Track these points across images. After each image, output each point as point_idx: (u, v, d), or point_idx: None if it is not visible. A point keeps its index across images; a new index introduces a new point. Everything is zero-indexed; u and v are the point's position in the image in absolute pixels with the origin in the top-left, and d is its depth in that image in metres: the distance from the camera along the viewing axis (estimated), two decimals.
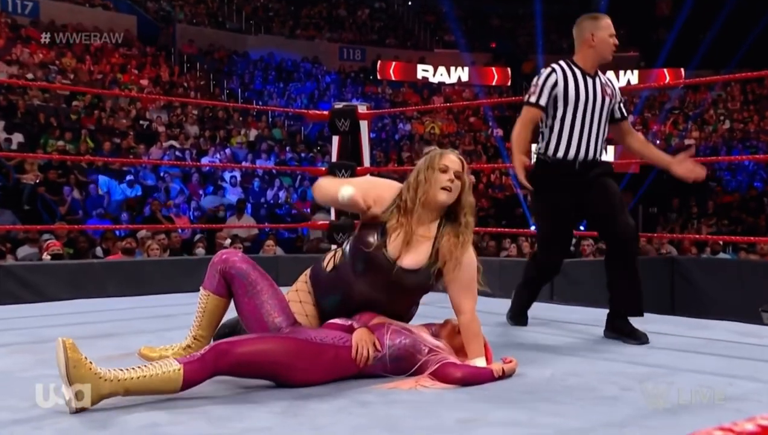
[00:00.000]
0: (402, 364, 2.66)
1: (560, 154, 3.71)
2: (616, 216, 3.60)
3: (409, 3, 27.43)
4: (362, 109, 6.36)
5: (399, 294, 2.84)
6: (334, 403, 2.35)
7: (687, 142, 20.41)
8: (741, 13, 20.76)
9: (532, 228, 15.08)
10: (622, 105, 3.83)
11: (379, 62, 24.32)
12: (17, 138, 12.82)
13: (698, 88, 22.81)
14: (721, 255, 9.65)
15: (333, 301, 2.89)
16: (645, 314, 4.55)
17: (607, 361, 3.13)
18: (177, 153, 13.94)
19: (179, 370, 2.28)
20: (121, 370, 2.25)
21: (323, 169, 7.34)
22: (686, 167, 3.65)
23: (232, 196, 13.25)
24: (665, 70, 23.64)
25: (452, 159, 2.82)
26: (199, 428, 2.10)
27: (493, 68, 25.26)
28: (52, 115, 14.18)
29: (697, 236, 12.20)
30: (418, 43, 26.11)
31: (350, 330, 2.66)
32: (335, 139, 6.44)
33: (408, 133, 20.41)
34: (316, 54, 23.68)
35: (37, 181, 11.57)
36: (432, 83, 24.27)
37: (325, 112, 6.54)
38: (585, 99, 3.68)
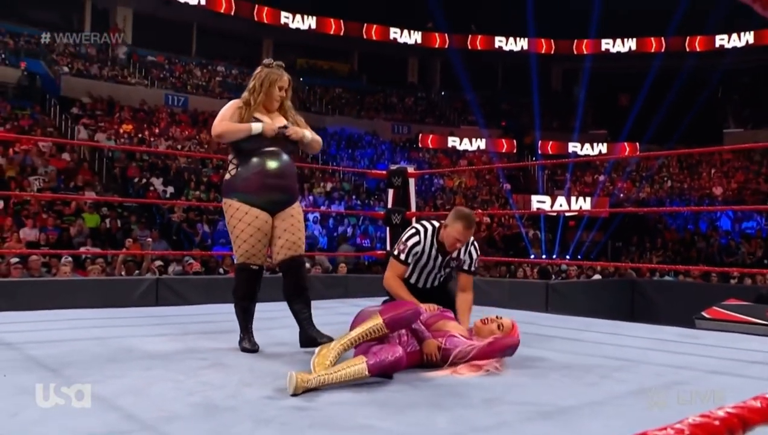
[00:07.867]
0: (448, 357, 2.61)
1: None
2: None
3: (442, 93, 27.57)
4: (411, 169, 6.37)
5: (287, 143, 3.07)
6: (392, 383, 2.36)
7: (641, 194, 20.23)
8: (679, 104, 21.20)
9: (532, 256, 14.83)
10: (468, 265, 3.22)
11: (420, 135, 24.42)
12: (170, 189, 13.20)
13: (649, 157, 22.63)
14: (666, 278, 9.43)
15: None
16: (615, 321, 4.46)
17: (589, 356, 3.07)
18: None
19: (366, 373, 2.28)
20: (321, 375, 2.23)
21: (381, 212, 7.34)
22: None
23: (314, 231, 13.37)
24: (626, 144, 23.49)
25: (285, 80, 3.07)
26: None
27: (503, 140, 25.04)
28: (193, 173, 14.54)
29: (649, 265, 11.96)
30: (448, 121, 26.07)
31: (419, 338, 2.61)
32: (390, 191, 6.35)
33: (441, 186, 20.38)
34: (375, 129, 23.84)
35: (182, 220, 11.86)
36: (459, 150, 24.21)
37: (383, 172, 6.47)
38: (430, 268, 3.26)
